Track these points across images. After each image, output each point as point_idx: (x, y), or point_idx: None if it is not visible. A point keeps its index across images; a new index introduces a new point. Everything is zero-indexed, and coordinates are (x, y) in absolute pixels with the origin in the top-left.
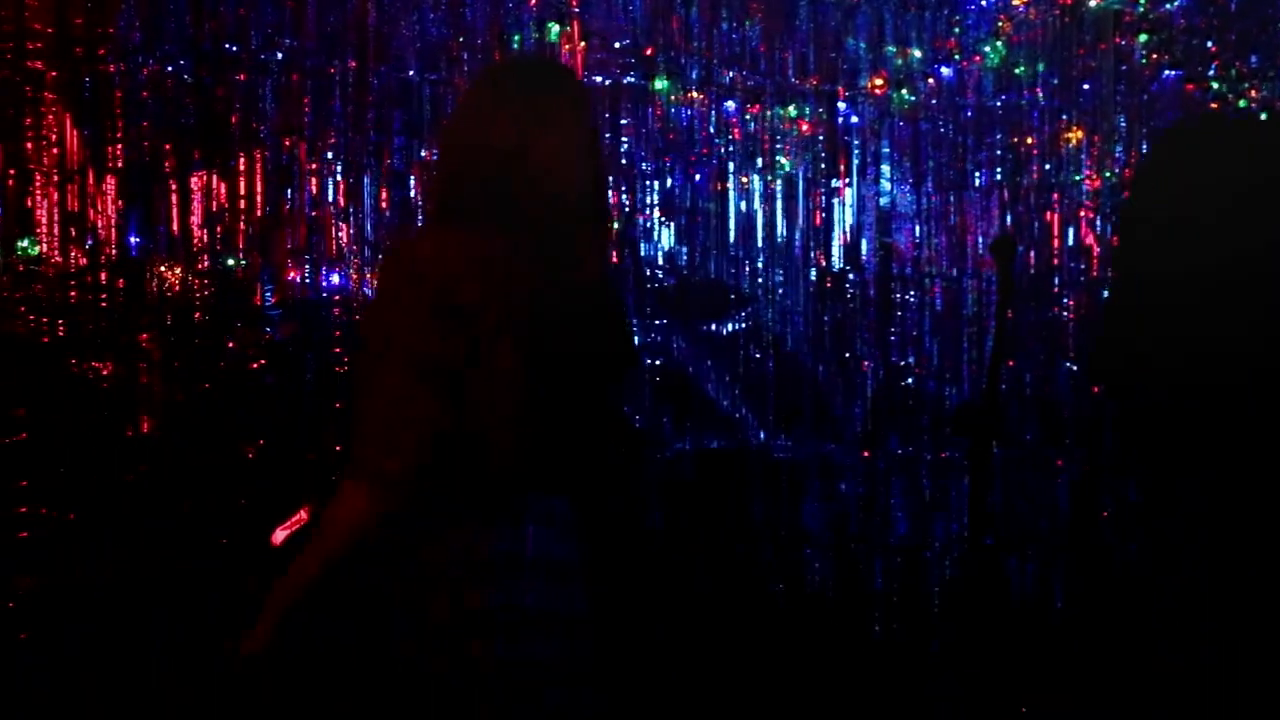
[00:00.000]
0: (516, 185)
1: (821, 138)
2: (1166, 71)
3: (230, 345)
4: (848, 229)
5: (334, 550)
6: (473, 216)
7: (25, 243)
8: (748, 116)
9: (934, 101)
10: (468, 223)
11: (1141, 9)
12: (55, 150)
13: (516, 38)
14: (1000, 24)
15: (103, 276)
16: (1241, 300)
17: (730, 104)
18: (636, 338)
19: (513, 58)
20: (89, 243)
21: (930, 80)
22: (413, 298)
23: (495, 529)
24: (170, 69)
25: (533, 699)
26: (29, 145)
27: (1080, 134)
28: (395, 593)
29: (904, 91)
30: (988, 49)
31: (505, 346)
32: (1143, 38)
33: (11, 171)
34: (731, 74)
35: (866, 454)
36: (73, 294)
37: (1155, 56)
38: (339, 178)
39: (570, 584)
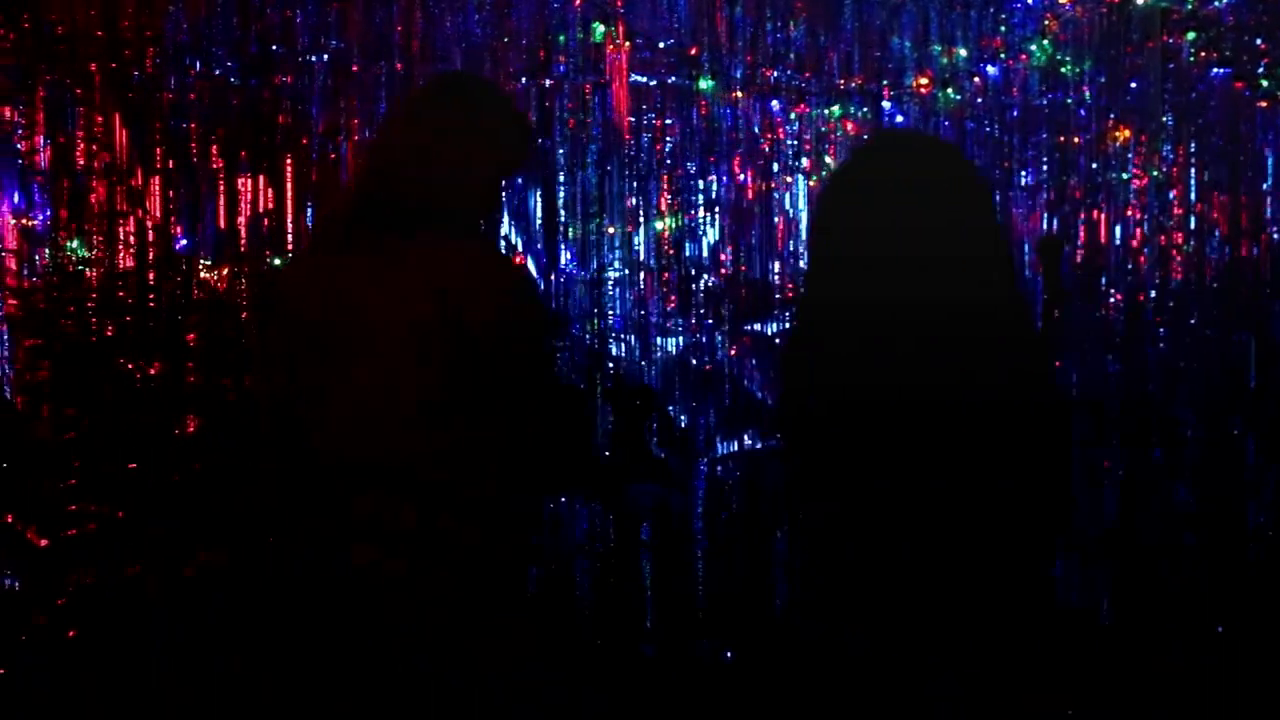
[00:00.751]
0: (384, 195)
1: (867, 137)
2: (1215, 69)
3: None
4: None
5: None
6: (341, 238)
7: (74, 243)
8: (793, 116)
9: (980, 100)
10: (325, 244)
11: (1190, 7)
12: (104, 152)
13: (561, 38)
14: (1046, 22)
15: (150, 276)
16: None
17: (775, 104)
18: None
19: (432, 77)
20: (136, 243)
21: (976, 79)
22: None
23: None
24: (217, 71)
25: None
26: (78, 146)
27: (1127, 132)
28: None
29: (949, 90)
30: (1034, 47)
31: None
32: (1191, 35)
33: (61, 172)
34: (776, 74)
35: None
36: (121, 294)
37: (1203, 54)
38: None
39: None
